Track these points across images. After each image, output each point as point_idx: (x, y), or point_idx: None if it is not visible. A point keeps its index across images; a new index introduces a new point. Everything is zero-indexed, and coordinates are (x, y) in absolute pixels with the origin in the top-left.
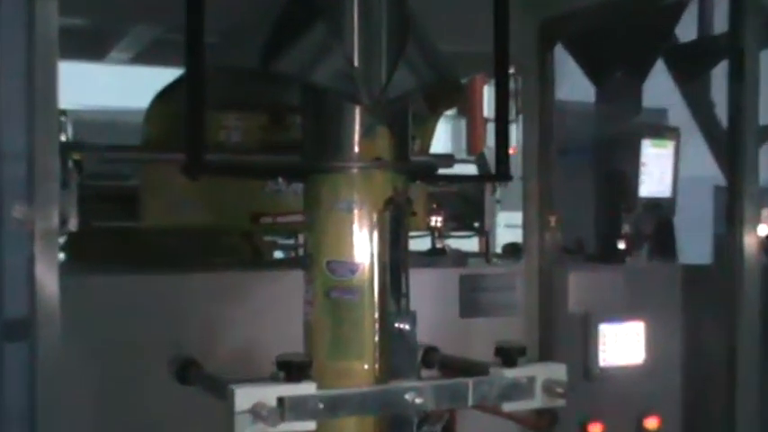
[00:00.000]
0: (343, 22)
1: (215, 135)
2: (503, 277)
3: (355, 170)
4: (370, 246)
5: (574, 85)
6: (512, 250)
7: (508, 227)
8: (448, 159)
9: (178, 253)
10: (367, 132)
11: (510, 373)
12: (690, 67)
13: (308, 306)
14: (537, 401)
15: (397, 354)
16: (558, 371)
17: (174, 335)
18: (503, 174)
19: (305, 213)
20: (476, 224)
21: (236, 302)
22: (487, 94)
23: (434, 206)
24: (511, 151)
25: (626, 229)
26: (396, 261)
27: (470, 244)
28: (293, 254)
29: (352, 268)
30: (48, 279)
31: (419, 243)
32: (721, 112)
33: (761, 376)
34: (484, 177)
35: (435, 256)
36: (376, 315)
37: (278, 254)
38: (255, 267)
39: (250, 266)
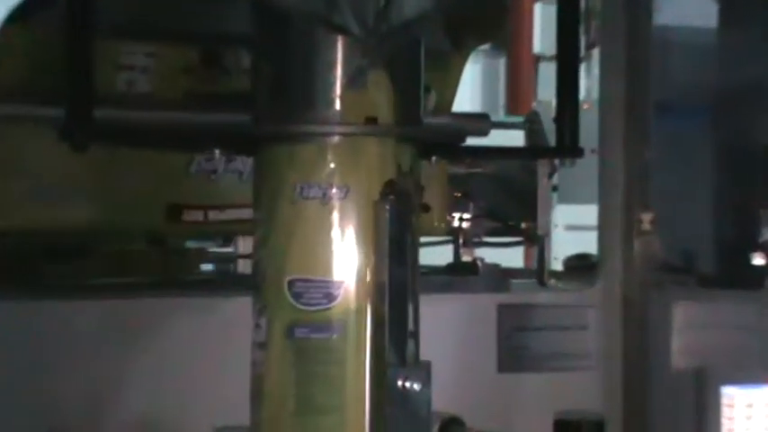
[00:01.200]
0: None
1: (111, 79)
2: (566, 310)
3: (336, 138)
4: (358, 257)
5: (683, 1)
6: (580, 267)
7: (572, 229)
8: (480, 122)
9: (45, 267)
10: (355, 80)
11: None
12: None
13: (259, 352)
14: None
15: (402, 428)
16: None
17: (39, 395)
18: (567, 146)
19: (255, 205)
20: (522, 225)
21: (139, 345)
22: (540, 20)
23: (459, 196)
24: (584, 107)
25: (766, 235)
26: (399, 283)
27: (514, 256)
28: (232, 269)
29: (330, 291)
30: None
31: (436, 254)
32: None
33: None
34: (536, 152)
35: (460, 276)
36: (368, 366)
37: (207, 268)
38: (171, 291)
39: (162, 290)
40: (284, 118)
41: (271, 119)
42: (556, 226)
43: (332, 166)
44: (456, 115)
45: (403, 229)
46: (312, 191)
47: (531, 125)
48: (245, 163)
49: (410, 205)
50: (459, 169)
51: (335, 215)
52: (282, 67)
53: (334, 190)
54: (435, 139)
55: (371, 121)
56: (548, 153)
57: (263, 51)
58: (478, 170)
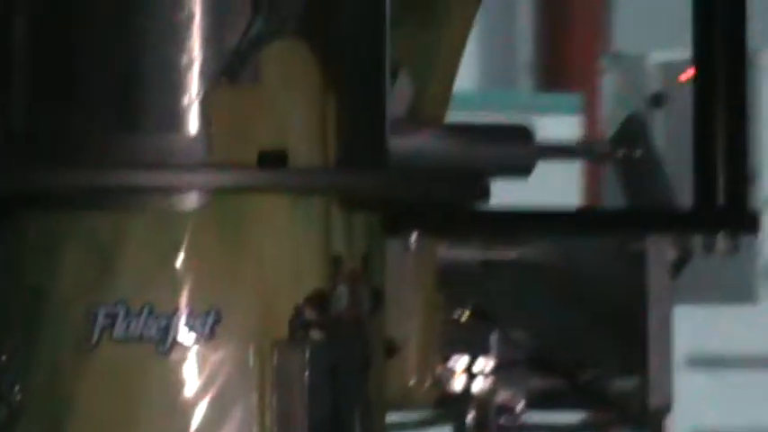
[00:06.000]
0: None
1: None
2: None
3: (192, 199)
4: None
5: None
6: None
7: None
8: (515, 145)
9: None
10: (237, 64)
11: None
12: None
13: None
14: None
15: None
16: None
17: None
18: (725, 201)
19: None
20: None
21: None
22: None
23: (468, 317)
24: None
25: None
26: None
27: None
28: None
29: None
30: None
31: None
32: None
33: None
34: (647, 218)
35: None
36: None
37: None
38: None
39: None
40: (67, 146)
41: (33, 145)
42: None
43: (181, 264)
44: (461, 130)
45: (342, 406)
46: (135, 323)
47: (625, 135)
48: None
49: (357, 350)
50: (464, 252)
51: (192, 378)
52: (64, 24)
53: (184, 320)
54: (419, 198)
55: (274, 158)
56: (673, 221)
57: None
58: (510, 256)
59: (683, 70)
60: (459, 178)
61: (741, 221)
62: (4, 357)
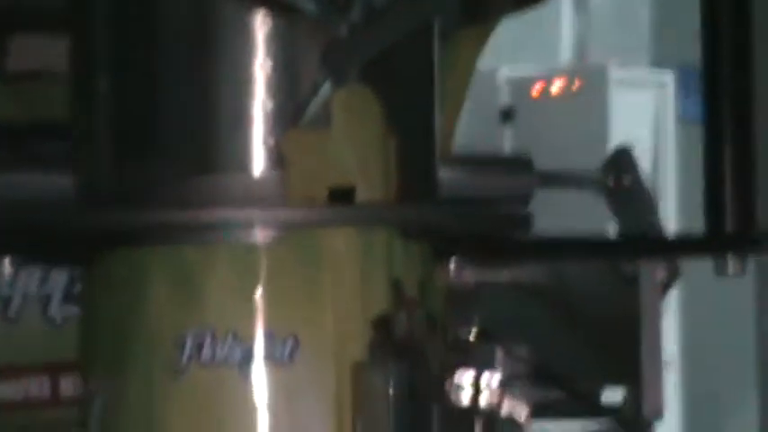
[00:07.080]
0: None
1: None
2: None
3: (267, 235)
4: None
5: None
6: None
7: None
8: (518, 175)
9: None
10: (306, 109)
11: None
12: None
13: None
14: None
15: None
16: None
17: None
18: (740, 228)
19: (89, 379)
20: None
21: None
22: None
23: (473, 336)
24: None
25: None
26: None
27: None
28: None
29: None
30: None
31: None
32: None
33: None
34: (650, 246)
35: None
36: None
37: None
38: None
39: None
40: (153, 188)
41: (119, 188)
42: None
43: (260, 294)
44: (469, 161)
45: (421, 423)
46: (220, 348)
47: (614, 164)
48: (56, 283)
49: (430, 369)
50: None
51: (271, 399)
52: (146, 77)
53: (264, 345)
54: (470, 228)
55: (343, 195)
56: (683, 248)
57: (94, 58)
58: (504, 278)
59: (531, 85)
60: (506, 210)
61: (750, 246)
62: (93, 386)
